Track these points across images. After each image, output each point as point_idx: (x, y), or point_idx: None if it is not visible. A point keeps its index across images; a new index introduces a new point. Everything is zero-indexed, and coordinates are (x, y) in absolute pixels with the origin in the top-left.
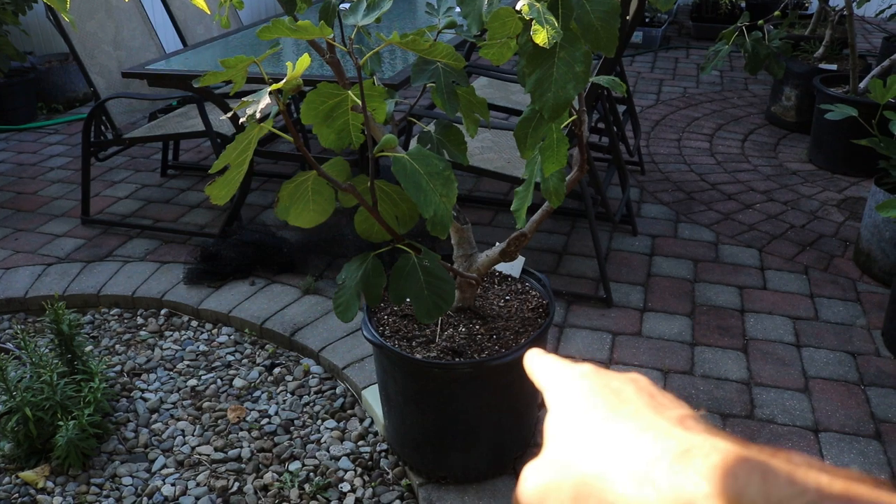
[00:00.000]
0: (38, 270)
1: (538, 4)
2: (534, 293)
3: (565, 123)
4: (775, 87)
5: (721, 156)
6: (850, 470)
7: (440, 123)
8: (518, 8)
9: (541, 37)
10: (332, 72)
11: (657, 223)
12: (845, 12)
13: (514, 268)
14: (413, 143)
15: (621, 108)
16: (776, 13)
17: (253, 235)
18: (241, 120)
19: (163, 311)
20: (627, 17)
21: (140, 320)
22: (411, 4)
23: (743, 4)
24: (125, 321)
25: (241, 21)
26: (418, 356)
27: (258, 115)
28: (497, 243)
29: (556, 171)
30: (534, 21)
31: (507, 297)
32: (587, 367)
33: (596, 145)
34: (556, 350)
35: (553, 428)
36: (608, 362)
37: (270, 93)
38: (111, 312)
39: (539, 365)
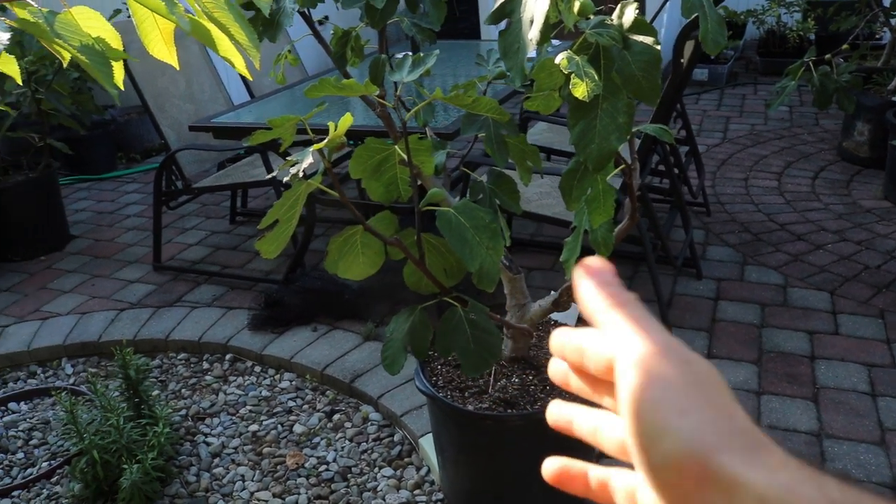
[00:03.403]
0: (111, 315)
1: (577, 58)
2: None
3: (612, 173)
4: (847, 122)
5: (790, 195)
6: None
7: (493, 172)
8: (557, 61)
9: (580, 90)
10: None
11: (723, 266)
12: None
13: (569, 316)
14: None
15: (684, 149)
16: (844, 46)
17: (315, 282)
18: (285, 179)
19: (227, 357)
20: (682, 60)
21: (206, 365)
22: (471, 52)
23: (812, 37)
24: (192, 366)
25: (307, 71)
26: (470, 407)
27: (301, 175)
28: (552, 291)
29: (604, 221)
30: (573, 75)
31: None
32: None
33: (657, 188)
34: None
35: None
36: None
37: (314, 151)
38: (178, 357)
39: (605, 317)
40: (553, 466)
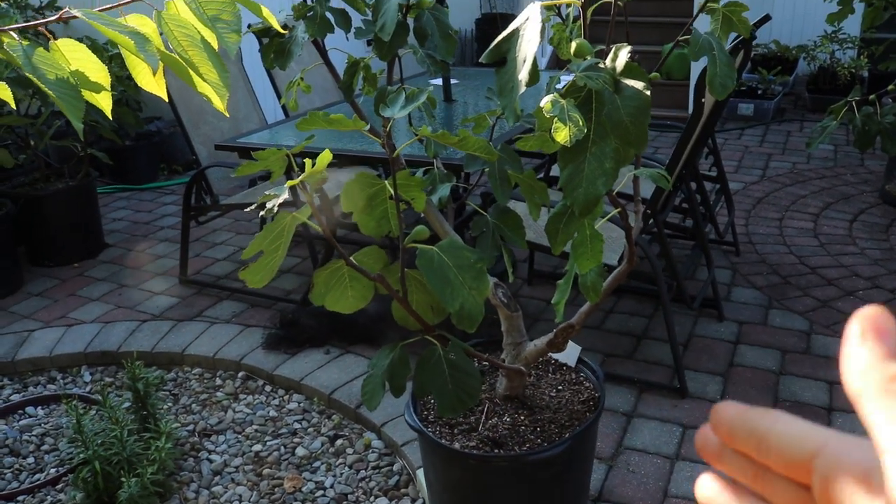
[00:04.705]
0: (133, 326)
1: (563, 101)
2: (587, 384)
3: (606, 217)
4: (891, 164)
5: (825, 237)
6: None
7: (497, 208)
8: (542, 105)
9: (562, 134)
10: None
11: (746, 308)
12: None
13: (569, 357)
14: None
15: (716, 187)
16: (890, 87)
17: None
18: (261, 213)
19: (240, 374)
20: (703, 100)
21: (218, 381)
22: None
23: (865, 74)
24: (205, 381)
25: None
26: (456, 445)
27: (276, 210)
28: (554, 330)
29: (593, 266)
30: (555, 119)
31: (560, 387)
32: None
33: (681, 227)
34: (619, 442)
35: None
36: (674, 458)
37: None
38: (193, 371)
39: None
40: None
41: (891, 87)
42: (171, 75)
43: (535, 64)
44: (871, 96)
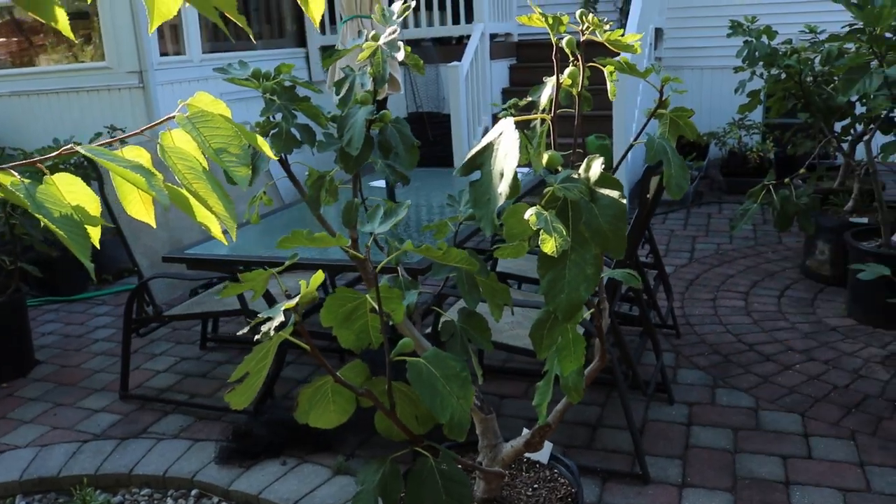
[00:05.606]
0: (73, 448)
1: (546, 213)
2: (562, 481)
3: (580, 319)
4: (808, 241)
5: (757, 314)
6: None
7: (463, 311)
8: (527, 217)
9: (549, 246)
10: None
11: (693, 390)
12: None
13: (542, 454)
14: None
15: (653, 273)
16: (802, 170)
17: (285, 413)
18: (256, 337)
19: (193, 492)
20: (648, 196)
21: (170, 501)
22: (444, 181)
23: (772, 157)
24: (155, 502)
25: (283, 199)
26: None
27: (272, 332)
28: (525, 430)
29: (574, 368)
30: (542, 230)
31: (536, 486)
32: None
33: (627, 315)
34: None
35: None
36: None
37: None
38: (142, 493)
39: None
40: None
41: (802, 170)
42: (111, 187)
43: (515, 177)
44: (786, 180)
